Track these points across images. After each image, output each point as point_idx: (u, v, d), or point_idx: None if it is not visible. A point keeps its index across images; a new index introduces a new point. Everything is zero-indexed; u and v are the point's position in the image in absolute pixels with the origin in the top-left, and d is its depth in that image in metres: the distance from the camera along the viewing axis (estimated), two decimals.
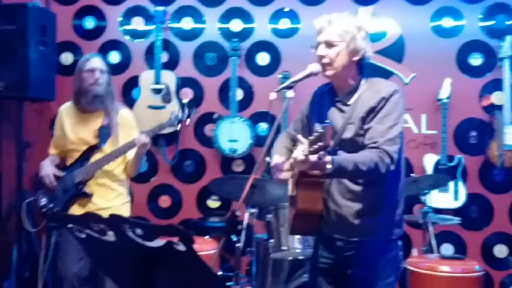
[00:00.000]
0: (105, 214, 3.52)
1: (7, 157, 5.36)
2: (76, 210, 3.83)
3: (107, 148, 3.84)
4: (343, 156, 2.60)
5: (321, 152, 2.37)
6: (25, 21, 4.91)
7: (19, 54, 4.89)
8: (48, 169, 3.89)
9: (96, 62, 3.87)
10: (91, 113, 3.90)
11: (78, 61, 3.96)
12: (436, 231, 4.67)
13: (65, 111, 3.99)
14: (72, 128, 3.91)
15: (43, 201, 3.91)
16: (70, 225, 2.27)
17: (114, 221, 2.15)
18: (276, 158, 2.91)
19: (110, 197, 3.89)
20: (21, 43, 4.90)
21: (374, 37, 5.16)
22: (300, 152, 2.46)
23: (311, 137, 2.40)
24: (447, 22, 5.29)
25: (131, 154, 3.86)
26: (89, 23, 5.78)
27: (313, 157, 2.42)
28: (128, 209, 4.02)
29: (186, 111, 3.83)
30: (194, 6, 5.63)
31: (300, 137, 2.56)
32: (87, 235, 2.22)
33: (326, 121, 2.35)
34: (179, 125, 3.85)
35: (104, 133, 3.84)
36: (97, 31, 5.76)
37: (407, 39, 5.33)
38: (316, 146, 2.34)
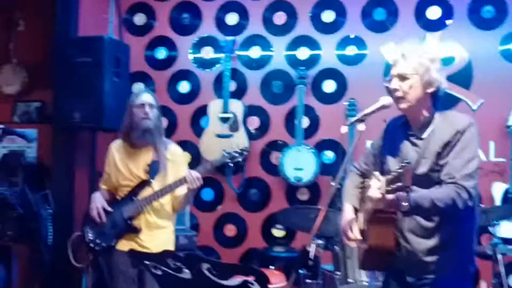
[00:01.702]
0: (152, 251, 3.57)
1: (80, 186, 5.46)
2: (124, 245, 3.80)
3: (156, 183, 3.84)
4: (419, 193, 2.57)
5: (400, 193, 2.36)
6: (100, 53, 5.06)
7: (94, 86, 5.04)
8: (98, 201, 3.90)
9: (146, 97, 3.91)
10: (140, 149, 3.91)
11: (129, 99, 4.01)
12: (506, 262, 4.49)
13: (116, 147, 4.02)
14: (124, 164, 3.92)
15: (91, 235, 3.90)
16: (146, 262, 2.34)
17: (191, 259, 2.21)
18: (347, 215, 2.92)
19: (156, 234, 3.86)
20: (97, 74, 5.04)
21: (442, 62, 5.08)
22: (376, 190, 2.46)
23: (389, 176, 2.40)
24: None
25: (180, 190, 3.84)
26: (161, 53, 5.99)
27: (391, 197, 2.42)
28: (172, 243, 4.00)
29: (239, 150, 3.83)
30: (262, 34, 5.74)
31: (377, 174, 2.55)
32: (164, 272, 2.28)
33: (405, 161, 2.34)
34: (232, 163, 3.86)
35: (155, 168, 3.85)
36: (168, 61, 5.95)
37: (475, 65, 5.24)
38: (394, 186, 2.34)
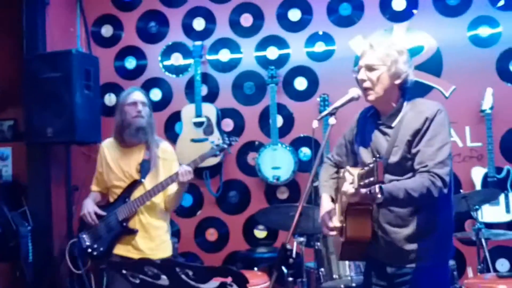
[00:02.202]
0: (147, 253, 3.57)
1: (57, 201, 5.45)
2: (120, 249, 3.80)
3: (148, 182, 3.79)
4: (393, 184, 2.58)
5: (372, 187, 2.36)
6: (69, 67, 5.07)
7: (65, 100, 5.04)
8: (89, 207, 3.83)
9: (137, 95, 3.89)
10: (133, 147, 3.87)
11: (119, 96, 3.99)
12: (490, 247, 4.56)
13: (107, 146, 3.98)
14: (115, 163, 3.89)
15: (87, 241, 3.85)
16: (124, 271, 2.32)
17: (167, 265, 2.19)
18: (325, 206, 2.92)
19: (152, 235, 3.83)
20: (67, 89, 5.05)
21: (411, 52, 5.07)
22: (349, 185, 2.47)
23: (361, 171, 2.40)
24: (484, 31, 5.23)
25: (171, 188, 3.82)
26: (130, 63, 5.97)
27: (364, 191, 2.42)
28: (170, 246, 3.97)
29: (226, 139, 3.84)
30: (230, 37, 5.75)
31: (349, 168, 2.56)
32: (141, 280, 2.26)
33: (377, 155, 2.33)
34: (221, 154, 3.88)
35: (146, 167, 3.80)
36: (138, 70, 5.96)
37: (444, 52, 5.29)
38: (366, 181, 2.34)
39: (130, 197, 3.80)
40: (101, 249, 3.81)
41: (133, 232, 3.79)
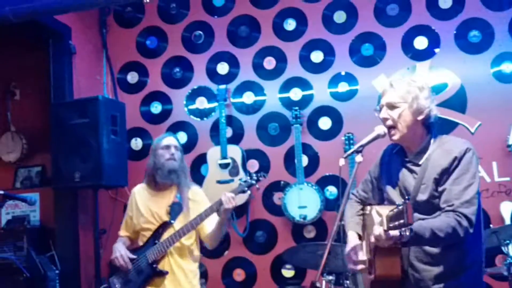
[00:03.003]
0: None
1: (85, 245, 5.49)
2: None
3: (178, 224, 3.83)
4: (419, 223, 2.55)
5: (402, 229, 2.35)
6: (96, 113, 5.15)
7: (93, 145, 5.11)
8: (121, 250, 3.86)
9: (170, 140, 4.01)
10: (163, 190, 3.94)
11: (152, 143, 4.10)
12: None
13: (138, 191, 4.05)
14: (145, 205, 3.94)
15: (117, 285, 3.86)
16: None
17: None
18: (351, 242, 2.91)
19: (182, 279, 3.83)
20: (94, 134, 5.12)
21: (435, 90, 5.13)
22: (379, 228, 2.46)
23: (390, 213, 2.39)
24: (507, 67, 5.22)
25: (210, 224, 3.83)
26: (156, 108, 6.07)
27: (394, 233, 2.41)
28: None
29: (254, 175, 3.86)
30: (254, 80, 5.83)
31: (377, 208, 2.56)
32: None
33: (406, 197, 2.34)
34: (249, 191, 3.95)
35: (176, 209, 3.86)
36: (164, 115, 6.05)
37: (468, 89, 5.28)
38: (396, 223, 2.33)
39: (159, 239, 3.81)
40: None
41: (162, 274, 3.78)
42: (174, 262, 3.82)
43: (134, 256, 3.85)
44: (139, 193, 4.02)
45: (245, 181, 3.83)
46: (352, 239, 2.94)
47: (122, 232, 4.06)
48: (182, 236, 3.77)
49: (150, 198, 3.96)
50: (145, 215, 3.92)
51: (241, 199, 5.23)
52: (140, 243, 3.93)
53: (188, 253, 3.89)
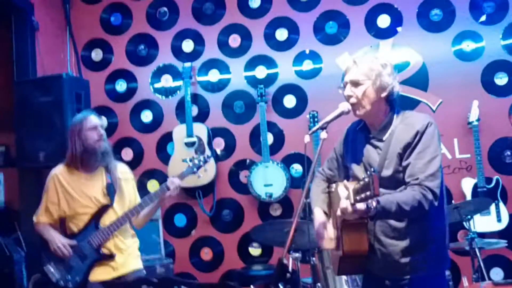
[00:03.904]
0: (121, 270, 3.57)
1: None
2: (96, 275, 3.72)
3: (116, 205, 3.79)
4: (385, 197, 2.59)
5: (369, 201, 2.39)
6: (61, 91, 5.04)
7: (57, 124, 5.01)
8: (61, 239, 3.73)
9: (96, 119, 3.82)
10: (93, 173, 3.81)
11: (72, 123, 3.87)
12: (484, 256, 4.59)
13: (62, 175, 3.82)
14: (78, 189, 3.77)
15: (57, 274, 3.71)
16: None
17: (165, 282, 2.21)
18: (318, 218, 2.95)
19: (127, 255, 3.81)
20: (58, 113, 5.02)
21: (397, 68, 5.17)
22: (346, 201, 2.49)
23: (357, 185, 2.42)
24: (468, 46, 5.33)
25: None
26: (121, 86, 6.02)
27: (361, 206, 2.45)
28: (139, 257, 3.93)
29: (201, 157, 3.91)
30: (219, 58, 5.81)
31: (345, 183, 2.59)
32: None
33: (372, 169, 2.36)
34: (199, 171, 3.95)
35: (111, 190, 3.79)
36: (129, 93, 6.00)
37: (430, 67, 5.38)
38: (362, 195, 2.36)
39: (99, 222, 3.75)
40: (77, 279, 3.72)
41: (111, 257, 3.75)
42: (119, 242, 3.79)
43: (74, 242, 3.72)
44: (64, 177, 3.81)
45: (190, 160, 3.89)
46: (319, 215, 2.98)
47: (42, 219, 3.85)
48: (128, 220, 3.76)
49: (83, 182, 3.78)
50: (79, 200, 3.76)
51: (207, 178, 5.28)
52: (75, 229, 3.78)
53: (127, 231, 3.86)
